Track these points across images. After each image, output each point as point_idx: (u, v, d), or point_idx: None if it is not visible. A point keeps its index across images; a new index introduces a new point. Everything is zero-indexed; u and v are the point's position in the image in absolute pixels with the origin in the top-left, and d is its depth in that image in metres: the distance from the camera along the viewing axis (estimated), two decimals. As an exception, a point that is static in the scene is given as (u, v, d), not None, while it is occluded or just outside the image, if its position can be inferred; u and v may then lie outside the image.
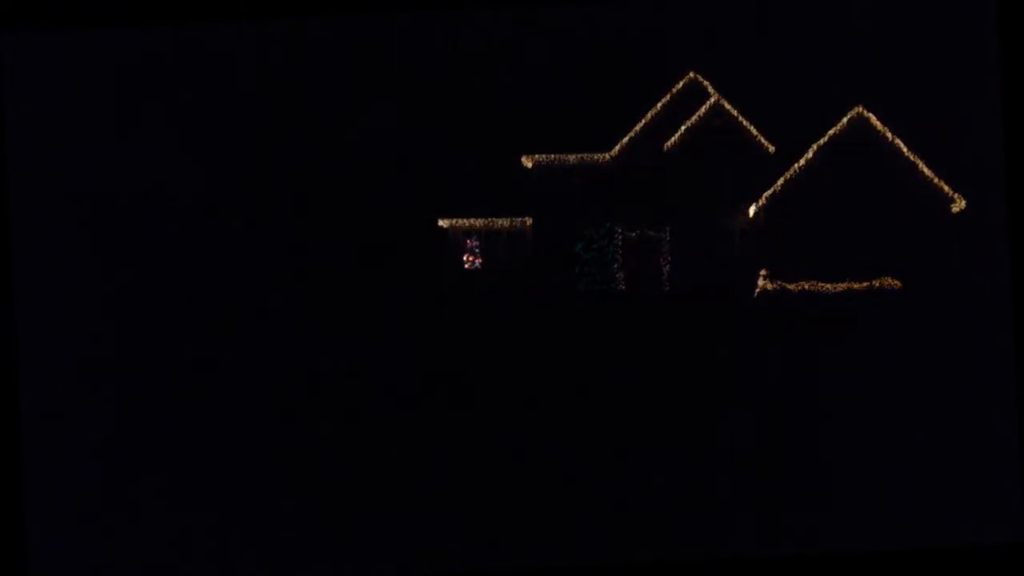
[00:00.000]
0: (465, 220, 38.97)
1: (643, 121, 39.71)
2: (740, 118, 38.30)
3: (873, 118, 36.14)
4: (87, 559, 22.86)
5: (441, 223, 38.59)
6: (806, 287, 34.47)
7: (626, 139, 40.05)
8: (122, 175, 29.26)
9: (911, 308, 32.72)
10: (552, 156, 40.07)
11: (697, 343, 30.45)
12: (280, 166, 32.49)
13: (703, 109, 38.45)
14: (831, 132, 36.20)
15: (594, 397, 27.39)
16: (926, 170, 35.77)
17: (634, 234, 37.51)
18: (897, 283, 34.00)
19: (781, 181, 36.39)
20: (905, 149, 35.96)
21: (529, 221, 38.56)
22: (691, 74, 39.37)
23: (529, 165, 40.96)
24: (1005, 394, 19.59)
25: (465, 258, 38.70)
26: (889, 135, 35.91)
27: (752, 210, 37.27)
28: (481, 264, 38.59)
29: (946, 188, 35.65)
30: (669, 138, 38.53)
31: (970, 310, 30.45)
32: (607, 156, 40.12)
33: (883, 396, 25.60)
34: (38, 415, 24.08)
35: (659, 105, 39.74)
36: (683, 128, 38.37)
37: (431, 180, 37.62)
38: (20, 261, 22.63)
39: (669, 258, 37.11)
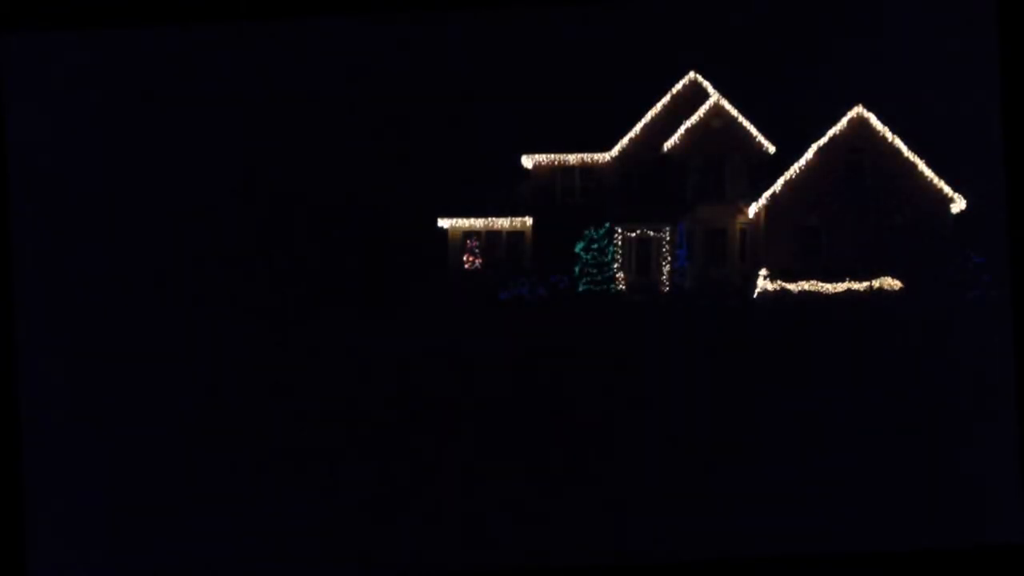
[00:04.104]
0: (465, 220, 39.86)
1: (643, 121, 40.60)
2: (740, 118, 39.14)
3: (873, 118, 36.44)
4: (87, 561, 23.06)
5: (441, 223, 39.59)
6: (806, 287, 34.73)
7: (626, 139, 40.68)
8: (122, 174, 29.49)
9: (911, 308, 32.82)
10: (552, 156, 41.03)
11: (697, 343, 30.59)
12: (280, 166, 32.63)
13: (703, 109, 39.23)
14: (831, 132, 36.60)
15: (594, 396, 27.59)
16: (926, 170, 36.12)
17: (634, 234, 38.11)
18: (897, 283, 34.34)
19: (781, 181, 36.54)
20: (905, 149, 36.30)
21: (529, 221, 39.67)
22: (691, 74, 40.51)
23: (529, 165, 41.99)
24: (1005, 394, 19.67)
25: (465, 258, 38.87)
26: (889, 135, 36.27)
27: (752, 210, 37.65)
28: (481, 264, 38.90)
29: (946, 188, 36.12)
30: (669, 138, 39.04)
31: (970, 310, 30.51)
32: (607, 156, 40.92)
33: (883, 395, 25.79)
34: (38, 417, 24.30)
35: (659, 105, 40.21)
36: (683, 128, 38.98)
37: (431, 180, 37.82)
38: (20, 261, 22.82)
39: (669, 258, 37.98)
